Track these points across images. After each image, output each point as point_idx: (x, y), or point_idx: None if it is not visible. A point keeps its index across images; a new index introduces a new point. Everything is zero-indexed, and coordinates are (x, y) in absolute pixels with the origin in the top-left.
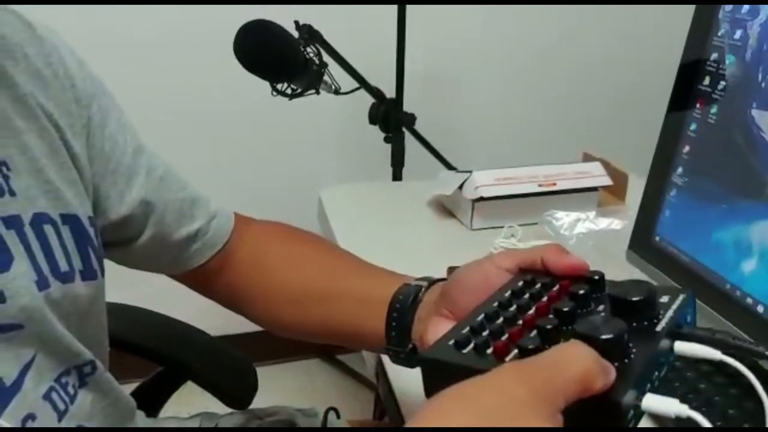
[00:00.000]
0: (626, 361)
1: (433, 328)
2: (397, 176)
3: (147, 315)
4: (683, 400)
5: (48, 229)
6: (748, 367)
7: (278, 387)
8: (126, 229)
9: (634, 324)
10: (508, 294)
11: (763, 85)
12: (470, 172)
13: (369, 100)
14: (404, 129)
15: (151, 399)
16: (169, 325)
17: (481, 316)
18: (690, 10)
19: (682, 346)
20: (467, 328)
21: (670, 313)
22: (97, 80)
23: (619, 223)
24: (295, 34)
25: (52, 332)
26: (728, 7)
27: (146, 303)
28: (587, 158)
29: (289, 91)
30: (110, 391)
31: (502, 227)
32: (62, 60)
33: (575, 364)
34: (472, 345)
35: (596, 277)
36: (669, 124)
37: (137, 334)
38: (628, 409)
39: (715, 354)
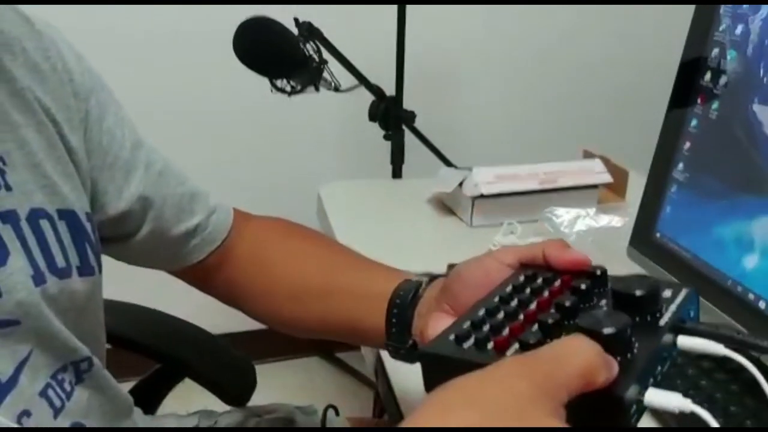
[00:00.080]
0: (629, 355)
1: (434, 324)
2: (396, 174)
3: (144, 312)
4: (684, 397)
5: (44, 224)
6: (750, 362)
7: (278, 385)
8: (124, 224)
9: (637, 319)
10: (509, 289)
11: (764, 80)
12: (470, 169)
13: (369, 97)
14: (404, 126)
15: (149, 396)
16: (167, 322)
17: (482, 311)
18: (690, 9)
19: (685, 341)
20: (468, 323)
21: (673, 307)
22: (95, 74)
23: (619, 220)
24: (295, 31)
25: (49, 328)
26: None
27: (146, 300)
28: (588, 156)
29: (288, 88)
30: (107, 387)
31: (501, 224)
32: (60, 54)
33: (578, 358)
34: (472, 339)
35: (598, 272)
36: (670, 121)
37: (135, 331)
38: (630, 403)
39: (718, 349)
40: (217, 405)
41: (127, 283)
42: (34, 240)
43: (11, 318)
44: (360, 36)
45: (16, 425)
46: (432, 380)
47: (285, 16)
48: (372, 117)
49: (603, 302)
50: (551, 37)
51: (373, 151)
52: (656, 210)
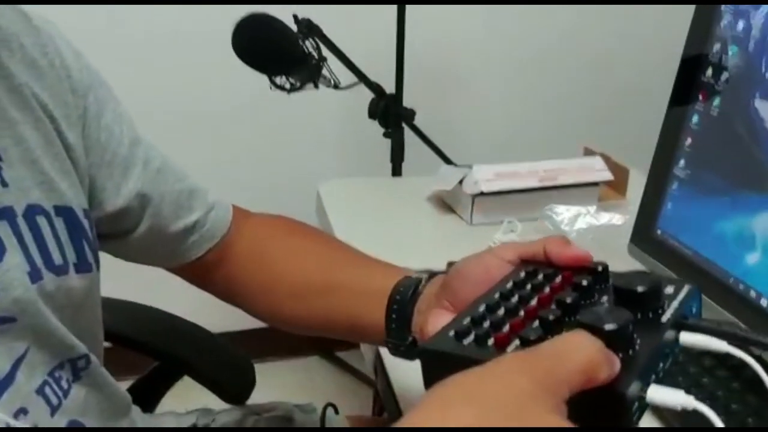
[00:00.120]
0: (631, 352)
1: (434, 320)
2: (396, 172)
3: (143, 310)
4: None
5: (41, 220)
6: (752, 359)
7: (278, 384)
8: (122, 221)
9: (639, 315)
10: (509, 285)
11: (766, 75)
12: (470, 166)
13: (369, 95)
14: (404, 124)
15: (147, 394)
16: (166, 319)
17: (482, 307)
18: (690, 8)
19: (687, 338)
20: (468, 319)
21: (675, 304)
22: (93, 71)
23: (620, 218)
24: (294, 28)
25: (46, 325)
26: None
27: (145, 299)
28: (588, 153)
29: (287, 85)
30: (105, 385)
31: (502, 222)
32: (58, 50)
33: (579, 354)
34: (472, 336)
35: (600, 268)
36: (671, 117)
37: (133, 329)
38: (632, 400)
39: (721, 345)
40: (215, 403)
41: (126, 281)
42: (31, 236)
43: (7, 315)
44: (360, 33)
45: (12, 420)
46: (431, 377)
47: (284, 13)
48: (372, 115)
49: (604, 298)
50: (551, 36)
51: (373, 149)
52: (657, 207)
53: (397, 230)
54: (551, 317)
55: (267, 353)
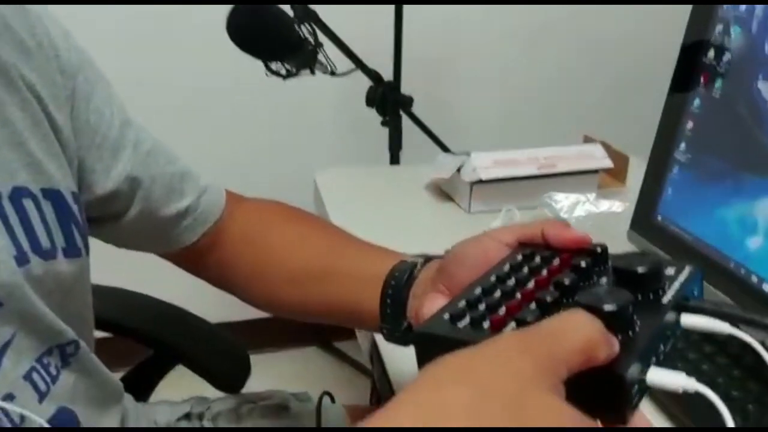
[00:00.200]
0: (630, 333)
1: (429, 304)
2: (394, 160)
3: (137, 298)
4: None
5: (28, 203)
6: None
7: (275, 374)
8: (112, 204)
9: (639, 297)
10: (506, 268)
11: None
12: (468, 154)
13: (366, 83)
14: (402, 112)
15: (141, 383)
16: (159, 307)
17: (478, 290)
18: None
19: (688, 319)
20: (463, 302)
21: (676, 285)
22: (82, 52)
23: (619, 206)
24: (290, 13)
25: (33, 310)
26: None
27: (142, 288)
28: (588, 141)
29: (283, 71)
30: (95, 372)
31: (500, 210)
32: (47, 30)
33: (578, 333)
34: (467, 318)
35: (599, 250)
36: (672, 100)
37: (127, 317)
38: (632, 382)
39: (723, 327)
40: (211, 392)
41: (122, 269)
42: (17, 219)
43: None
44: (357, 19)
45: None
46: (426, 362)
47: None
48: (369, 102)
49: (603, 280)
50: (550, 22)
51: (371, 137)
52: (657, 192)
53: (394, 219)
54: (549, 299)
55: (265, 344)
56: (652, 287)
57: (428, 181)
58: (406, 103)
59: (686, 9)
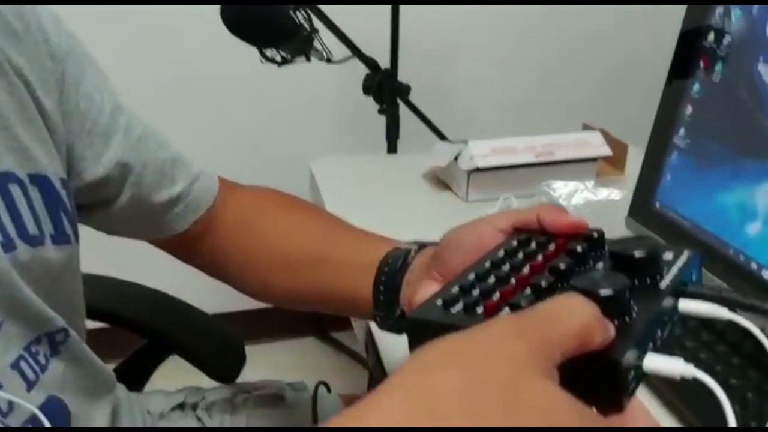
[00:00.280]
0: (627, 319)
1: (422, 291)
2: (391, 149)
3: (131, 287)
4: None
5: (14, 189)
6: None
7: (272, 364)
8: (102, 191)
9: (636, 282)
10: (501, 253)
11: None
12: (466, 142)
13: (363, 71)
14: (399, 100)
15: (135, 373)
16: (153, 297)
17: (472, 276)
18: None
19: (686, 305)
20: (456, 288)
21: (674, 270)
22: (73, 36)
23: (618, 194)
24: None
25: (21, 297)
26: None
27: (137, 279)
28: (586, 129)
29: (278, 58)
30: (85, 361)
31: (498, 199)
32: (36, 15)
33: (573, 317)
34: (461, 304)
35: (595, 235)
36: (672, 85)
37: (121, 307)
38: (628, 368)
39: (722, 312)
40: (206, 382)
41: (117, 259)
42: (3, 205)
43: None
44: (354, 6)
45: None
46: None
47: None
48: (366, 90)
49: (600, 265)
50: (549, 10)
51: (368, 126)
52: (656, 178)
53: (391, 208)
54: (544, 284)
55: (262, 334)
56: (650, 272)
57: (425, 169)
58: (404, 91)
59: None
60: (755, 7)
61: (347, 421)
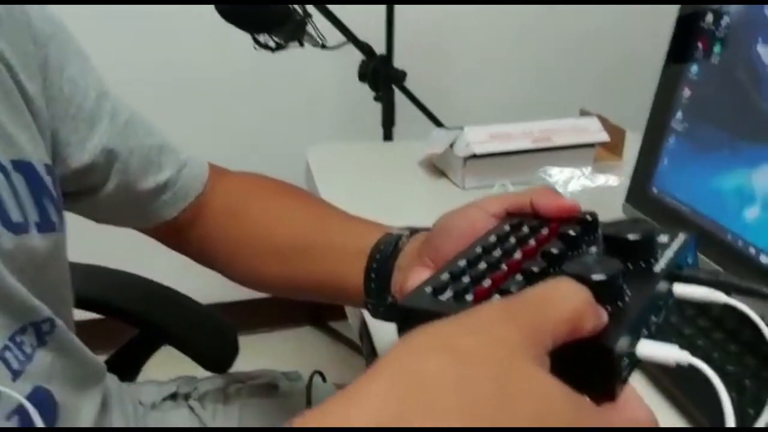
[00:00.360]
0: (620, 304)
1: (414, 278)
2: (387, 136)
3: (123, 276)
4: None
5: None
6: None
7: (270, 354)
8: (89, 177)
9: (630, 265)
10: (492, 238)
11: None
12: (462, 128)
13: (359, 57)
14: (394, 87)
15: (128, 363)
16: (145, 286)
17: (463, 262)
18: None
19: (682, 289)
20: (447, 274)
21: (669, 253)
22: (57, 21)
23: (615, 180)
24: None
25: (4, 286)
26: None
27: (134, 269)
28: (584, 115)
29: (272, 44)
30: (73, 351)
31: (494, 186)
32: None
33: (564, 302)
34: (451, 291)
35: (589, 218)
36: (669, 68)
37: (113, 296)
38: (621, 355)
39: (719, 297)
40: (200, 372)
41: (109, 249)
42: None
43: None
44: None
45: None
46: None
47: None
48: (362, 77)
49: (593, 249)
50: None
51: (364, 113)
52: (653, 163)
53: (386, 196)
54: (535, 269)
55: (259, 324)
56: (644, 256)
57: (422, 157)
58: (399, 77)
59: None
60: None
61: (332, 407)
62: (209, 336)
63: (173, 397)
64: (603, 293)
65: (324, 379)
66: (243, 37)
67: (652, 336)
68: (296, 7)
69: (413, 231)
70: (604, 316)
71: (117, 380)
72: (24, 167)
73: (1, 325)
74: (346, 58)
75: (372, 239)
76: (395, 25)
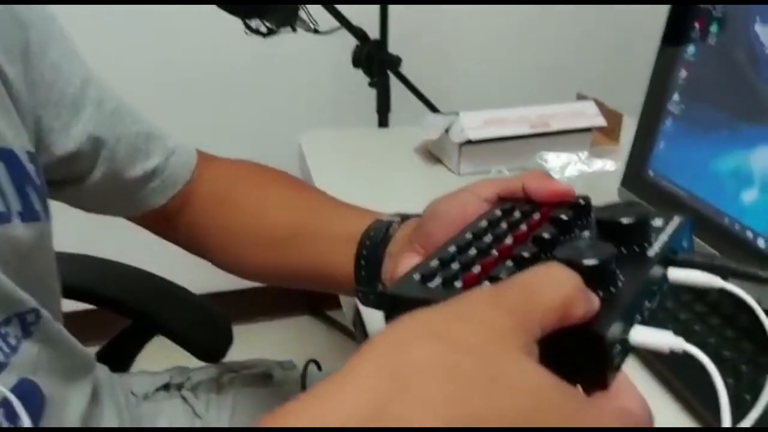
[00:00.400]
0: (612, 289)
1: (404, 265)
2: (383, 122)
3: (114, 266)
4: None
5: None
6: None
7: (269, 343)
8: (74, 165)
9: (623, 250)
10: (483, 224)
11: None
12: (457, 113)
13: (353, 42)
14: (389, 72)
15: (120, 354)
16: (137, 276)
17: (453, 248)
18: None
19: (676, 274)
20: (436, 261)
21: (663, 237)
22: (39, 6)
23: (612, 165)
24: None
25: None
26: None
27: (129, 260)
28: (581, 99)
29: (263, 29)
30: (60, 342)
31: (489, 172)
32: None
33: (554, 288)
34: (439, 278)
35: (582, 202)
36: (665, 49)
37: (104, 286)
38: (613, 342)
39: (714, 281)
40: (193, 362)
41: (100, 238)
42: None
43: None
44: None
45: None
46: None
47: None
48: (356, 63)
49: (586, 233)
50: None
51: (359, 100)
52: (649, 146)
53: (381, 183)
54: (526, 254)
55: (257, 313)
56: (638, 240)
57: (417, 143)
58: (394, 62)
59: None
60: None
61: (304, 403)
62: (202, 326)
63: (166, 387)
64: (595, 278)
65: (319, 368)
66: (235, 23)
67: (645, 322)
68: None
69: (404, 217)
70: (596, 302)
71: (108, 371)
72: (6, 155)
73: None
74: (339, 44)
75: (362, 226)
76: (389, 9)
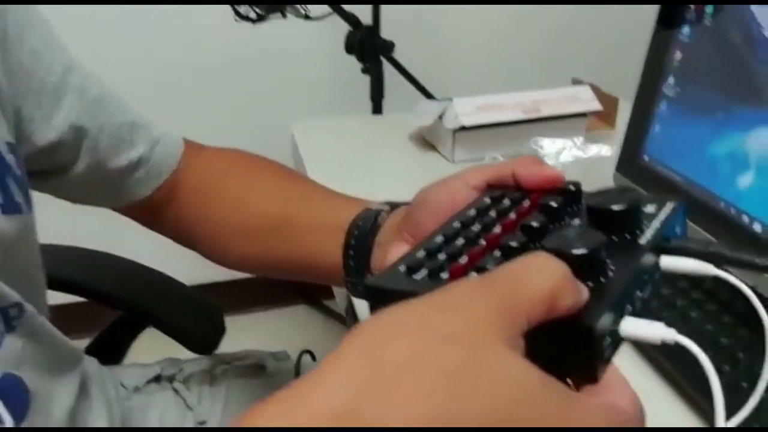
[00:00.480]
0: (602, 279)
1: (393, 254)
2: (377, 109)
3: (104, 258)
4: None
5: None
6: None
7: (264, 334)
8: (57, 156)
9: (614, 238)
10: (471, 212)
11: None
12: (450, 100)
13: (345, 28)
14: (382, 58)
15: (112, 346)
16: (128, 268)
17: (440, 238)
18: None
19: (669, 262)
20: (422, 252)
21: (656, 224)
22: None
23: (608, 150)
24: None
25: None
26: None
27: (119, 251)
28: (576, 84)
29: (253, 15)
30: (45, 336)
31: (484, 158)
32: None
33: (541, 278)
34: (425, 270)
35: (572, 188)
36: (660, 31)
37: (94, 278)
38: (603, 334)
39: (708, 269)
40: (185, 354)
41: (89, 229)
42: None
43: None
44: None
45: None
46: None
47: None
48: (348, 49)
49: (576, 221)
50: None
51: (352, 86)
52: (644, 131)
53: (375, 170)
54: (514, 244)
55: (253, 303)
56: (629, 227)
57: (411, 130)
58: (387, 48)
59: None
60: None
61: (277, 402)
62: (194, 317)
63: (157, 379)
64: (584, 268)
65: (314, 358)
66: (225, 11)
67: (637, 313)
68: None
69: (393, 206)
70: (584, 293)
71: (97, 363)
72: None
73: None
74: (331, 30)
75: (350, 215)
76: None
